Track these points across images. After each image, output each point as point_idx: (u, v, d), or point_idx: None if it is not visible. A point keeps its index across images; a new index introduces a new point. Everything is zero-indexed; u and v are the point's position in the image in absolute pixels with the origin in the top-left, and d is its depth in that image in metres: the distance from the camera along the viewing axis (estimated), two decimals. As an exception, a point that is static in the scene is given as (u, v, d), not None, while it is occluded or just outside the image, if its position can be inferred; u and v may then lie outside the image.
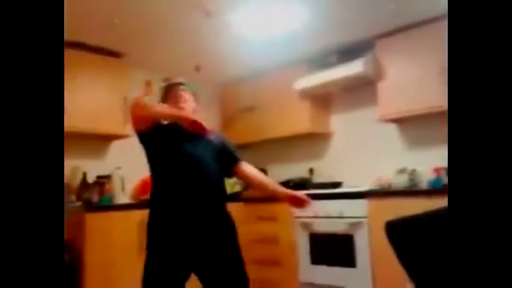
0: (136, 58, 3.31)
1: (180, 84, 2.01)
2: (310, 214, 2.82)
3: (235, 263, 1.82)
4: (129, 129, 3.09)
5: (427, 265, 1.42)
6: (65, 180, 2.82)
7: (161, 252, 1.75)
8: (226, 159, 1.97)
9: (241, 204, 3.29)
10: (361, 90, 3.25)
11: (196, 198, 1.76)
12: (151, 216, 1.81)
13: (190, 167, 1.78)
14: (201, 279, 1.79)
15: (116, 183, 3.02)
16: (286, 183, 3.31)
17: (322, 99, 3.44)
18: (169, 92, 1.98)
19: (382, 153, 3.13)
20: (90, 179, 3.05)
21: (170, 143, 1.84)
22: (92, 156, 3.13)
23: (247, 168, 2.04)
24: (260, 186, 2.03)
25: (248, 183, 2.25)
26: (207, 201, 1.79)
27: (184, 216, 1.74)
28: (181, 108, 1.90)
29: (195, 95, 2.05)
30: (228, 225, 1.88)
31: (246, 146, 4.00)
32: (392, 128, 3.09)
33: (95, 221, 2.45)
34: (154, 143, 1.86)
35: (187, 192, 1.76)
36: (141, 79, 3.51)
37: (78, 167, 2.95)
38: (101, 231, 2.46)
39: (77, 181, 2.91)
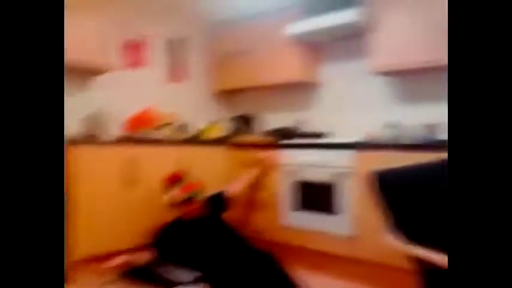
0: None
1: None
2: (294, 162, 2.89)
3: None
4: (111, 63, 3.01)
5: (413, 216, 1.47)
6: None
7: None
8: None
9: (226, 149, 3.32)
10: (353, 41, 3.20)
11: None
12: None
13: None
14: None
15: (100, 120, 2.98)
16: (273, 132, 3.34)
17: (313, 48, 3.39)
18: None
19: (372, 106, 3.15)
20: (74, 114, 2.99)
21: None
22: (73, 92, 3.04)
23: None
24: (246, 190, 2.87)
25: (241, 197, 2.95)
26: None
27: None
28: None
29: None
30: None
31: (234, 92, 3.97)
32: (384, 81, 3.10)
33: (78, 155, 2.45)
34: None
35: None
36: (127, 12, 3.36)
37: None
38: (84, 165, 2.48)
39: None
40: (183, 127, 3.48)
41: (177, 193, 2.67)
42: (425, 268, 1.41)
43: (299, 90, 3.57)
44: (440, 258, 1.29)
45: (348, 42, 3.25)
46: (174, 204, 2.69)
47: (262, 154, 3.07)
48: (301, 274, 2.30)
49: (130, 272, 2.45)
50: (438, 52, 2.52)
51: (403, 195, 1.50)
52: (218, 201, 2.83)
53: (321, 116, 3.45)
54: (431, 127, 2.71)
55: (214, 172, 3.23)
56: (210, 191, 3.11)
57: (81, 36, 2.77)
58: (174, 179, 2.72)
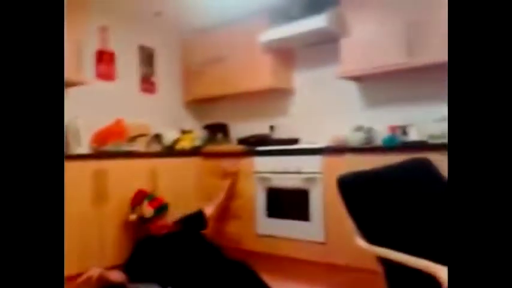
0: (93, 0, 3.10)
1: None
2: (268, 169, 2.87)
3: None
4: (84, 76, 2.97)
5: (375, 218, 1.48)
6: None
7: None
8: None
9: (201, 158, 3.29)
10: (324, 47, 3.22)
11: None
12: None
13: None
14: None
15: (71, 133, 2.91)
16: (246, 140, 3.32)
17: (285, 54, 3.40)
18: None
19: (342, 111, 3.17)
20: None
21: None
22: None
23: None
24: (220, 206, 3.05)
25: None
26: None
27: None
28: None
29: None
30: None
31: (207, 101, 3.95)
32: (353, 86, 3.12)
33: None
34: None
35: None
36: (97, 24, 3.32)
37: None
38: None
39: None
40: (155, 138, 3.43)
41: (145, 209, 2.63)
42: (389, 268, 1.41)
43: (272, 97, 3.57)
44: (401, 258, 1.29)
45: (318, 48, 3.27)
46: (143, 220, 2.64)
47: (231, 165, 3.05)
48: (277, 282, 2.26)
49: None
50: (405, 56, 2.56)
51: (361, 198, 1.51)
52: (197, 220, 2.83)
53: (293, 122, 3.45)
54: (396, 129, 2.74)
55: (188, 182, 3.19)
56: (184, 201, 3.08)
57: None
58: (141, 196, 2.69)
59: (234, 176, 3.06)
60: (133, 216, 2.65)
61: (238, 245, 3.01)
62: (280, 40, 3.10)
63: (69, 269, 2.39)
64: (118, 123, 3.19)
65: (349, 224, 2.44)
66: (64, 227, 2.32)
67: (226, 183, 3.05)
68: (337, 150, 2.59)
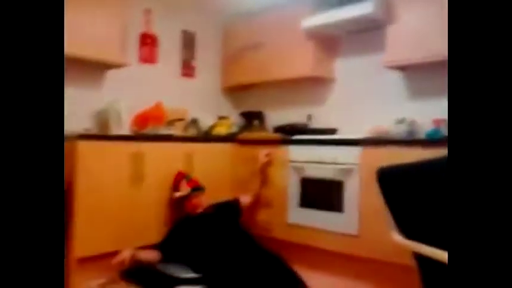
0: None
1: None
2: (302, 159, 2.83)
3: None
4: (127, 58, 3.03)
5: (414, 213, 1.42)
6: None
7: None
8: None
9: (236, 145, 3.28)
10: (369, 34, 3.10)
11: None
12: None
13: None
14: None
15: (112, 115, 2.99)
16: (282, 128, 3.28)
17: (328, 42, 3.30)
18: None
19: (383, 102, 3.04)
20: (86, 108, 3.03)
21: None
22: (87, 85, 3.07)
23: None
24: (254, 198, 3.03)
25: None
26: None
27: None
28: None
29: None
30: None
31: (245, 87, 3.93)
32: (397, 76, 2.99)
33: (87, 150, 2.43)
34: None
35: None
36: (142, 6, 3.38)
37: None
38: (92, 159, 2.45)
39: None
40: (192, 123, 3.46)
41: (183, 187, 2.71)
42: (425, 265, 1.36)
43: (310, 85, 3.49)
44: (439, 255, 1.23)
45: (362, 35, 3.16)
46: (181, 198, 2.71)
47: (263, 155, 3.02)
48: (306, 272, 2.23)
49: (131, 273, 2.44)
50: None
51: (401, 191, 1.45)
52: (233, 208, 2.85)
53: (332, 111, 3.37)
54: (440, 122, 2.60)
55: (222, 168, 3.20)
56: (218, 185, 3.10)
57: (96, 31, 2.79)
58: (181, 176, 2.77)
59: (266, 165, 3.04)
60: (175, 194, 2.73)
61: (268, 233, 3.00)
62: (323, 26, 3.02)
63: (107, 247, 2.48)
64: (157, 107, 3.24)
65: (384, 217, 2.38)
66: (64, 218, 2.33)
67: (260, 173, 3.04)
68: (377, 142, 2.50)
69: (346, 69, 3.31)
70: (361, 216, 2.52)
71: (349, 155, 2.59)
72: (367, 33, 3.12)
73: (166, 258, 2.50)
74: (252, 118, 3.72)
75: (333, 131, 3.13)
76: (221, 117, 3.60)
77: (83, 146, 2.40)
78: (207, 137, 3.31)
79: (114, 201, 2.54)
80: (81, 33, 2.71)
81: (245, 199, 2.96)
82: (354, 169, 2.55)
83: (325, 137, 2.81)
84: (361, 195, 2.52)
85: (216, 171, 3.15)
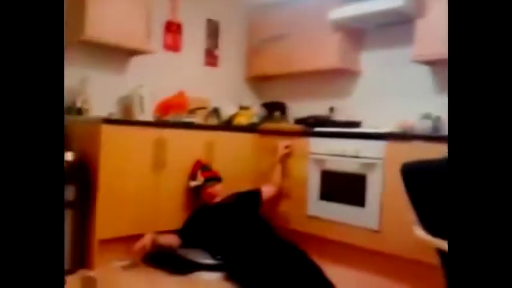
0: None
1: None
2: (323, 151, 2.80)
3: None
4: (152, 45, 3.05)
5: (439, 209, 1.39)
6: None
7: None
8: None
9: (257, 135, 3.28)
10: (397, 28, 3.04)
11: None
12: None
13: None
14: None
15: (135, 100, 3.02)
16: (304, 120, 3.25)
17: (355, 34, 3.25)
18: None
19: (409, 96, 2.99)
20: (110, 93, 3.06)
21: None
22: (112, 71, 3.11)
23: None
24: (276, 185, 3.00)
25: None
26: None
27: None
28: None
29: None
30: None
31: (268, 78, 3.91)
32: (424, 70, 2.93)
33: (111, 133, 2.46)
34: None
35: None
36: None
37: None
38: (116, 143, 2.48)
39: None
40: (213, 112, 3.47)
41: (198, 177, 2.73)
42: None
43: (334, 77, 3.45)
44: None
45: (391, 28, 3.09)
46: (197, 187, 2.73)
47: (283, 147, 3.01)
48: (324, 265, 2.22)
49: (152, 257, 2.48)
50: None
51: (426, 188, 1.42)
52: (253, 198, 2.85)
53: (355, 104, 3.32)
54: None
55: (242, 157, 3.20)
56: (237, 174, 3.11)
57: (122, 17, 2.82)
58: (198, 166, 2.79)
59: (285, 157, 3.02)
60: (192, 183, 2.75)
61: (287, 224, 3.00)
62: (351, 19, 2.98)
63: (128, 230, 2.53)
64: (180, 94, 3.26)
65: (407, 213, 2.34)
66: (64, 213, 2.32)
67: (280, 165, 3.02)
68: (402, 136, 2.46)
69: (372, 62, 3.25)
70: (382, 211, 2.49)
71: (372, 149, 2.56)
72: (395, 26, 3.05)
73: (185, 244, 2.53)
74: (274, 109, 3.71)
75: (356, 124, 3.09)
76: (242, 107, 3.60)
77: (106, 129, 2.44)
78: (228, 126, 3.31)
79: (136, 185, 2.57)
80: (108, 19, 2.74)
81: (268, 190, 2.95)
82: (378, 163, 2.52)
83: (349, 130, 2.78)
84: (383, 190, 2.49)
85: (236, 161, 3.15)
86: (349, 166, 2.67)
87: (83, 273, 2.14)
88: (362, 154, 2.61)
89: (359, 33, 3.28)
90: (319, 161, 2.84)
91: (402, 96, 3.03)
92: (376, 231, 2.51)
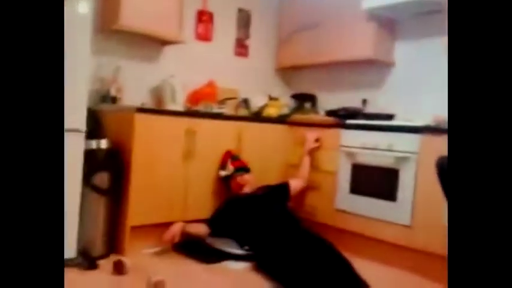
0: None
1: None
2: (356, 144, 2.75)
3: None
4: (183, 35, 3.06)
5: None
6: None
7: None
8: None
9: (286, 127, 3.25)
10: (432, 17, 2.93)
11: None
12: None
13: None
14: None
15: (166, 90, 3.05)
16: (335, 112, 3.20)
17: (389, 23, 3.16)
18: None
19: (445, 88, 2.89)
20: (143, 82, 3.10)
21: None
22: (145, 60, 3.14)
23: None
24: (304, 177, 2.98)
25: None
26: None
27: None
28: None
29: None
30: None
31: (298, 69, 3.86)
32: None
33: (144, 122, 2.50)
34: None
35: None
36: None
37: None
38: (148, 132, 2.52)
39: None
40: (243, 102, 3.46)
41: (227, 166, 2.74)
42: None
43: (367, 68, 3.37)
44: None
45: (426, 18, 2.98)
46: (226, 177, 2.74)
47: (312, 140, 2.97)
48: (352, 259, 2.19)
49: (181, 245, 2.51)
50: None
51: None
52: (282, 191, 2.84)
53: (389, 96, 3.23)
54: None
55: (272, 148, 3.18)
56: (266, 165, 3.10)
57: (156, 7, 2.84)
58: (228, 156, 2.80)
59: (314, 150, 2.98)
60: (222, 173, 2.77)
61: (313, 217, 2.97)
62: (385, 8, 2.89)
63: (159, 217, 2.58)
64: (210, 84, 3.26)
65: (440, 209, 2.28)
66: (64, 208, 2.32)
67: (308, 158, 2.99)
68: (437, 130, 2.37)
69: (406, 52, 3.16)
70: (415, 207, 2.43)
71: (406, 143, 2.49)
72: (430, 16, 2.94)
73: (214, 233, 2.56)
74: (304, 100, 3.66)
75: (390, 117, 3.01)
76: (272, 98, 3.57)
77: (140, 118, 2.47)
78: (257, 117, 3.30)
79: (167, 174, 2.61)
80: (142, 9, 2.76)
81: (296, 184, 2.93)
82: (411, 157, 2.45)
83: (382, 123, 2.71)
84: (417, 185, 2.42)
85: (266, 152, 3.14)
86: (381, 160, 2.61)
87: (115, 258, 2.19)
88: (396, 148, 2.54)
89: (393, 22, 3.18)
90: (350, 154, 2.79)
91: (437, 88, 2.92)
92: (407, 227, 2.45)
